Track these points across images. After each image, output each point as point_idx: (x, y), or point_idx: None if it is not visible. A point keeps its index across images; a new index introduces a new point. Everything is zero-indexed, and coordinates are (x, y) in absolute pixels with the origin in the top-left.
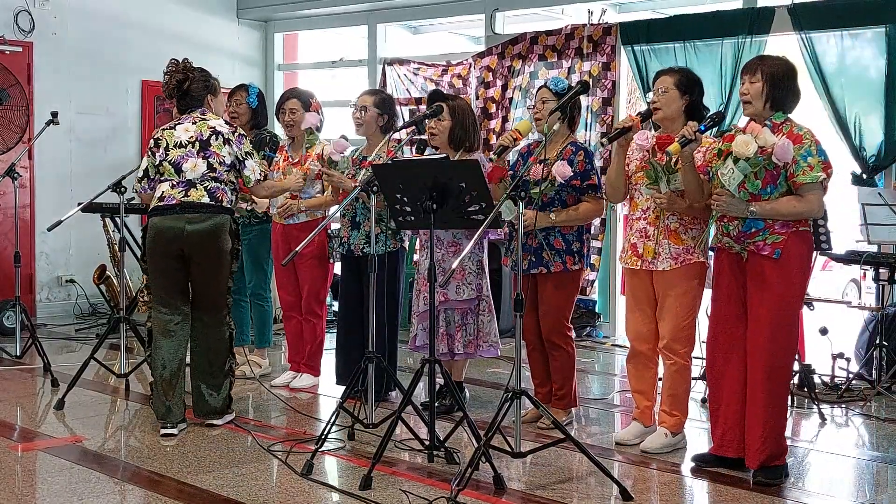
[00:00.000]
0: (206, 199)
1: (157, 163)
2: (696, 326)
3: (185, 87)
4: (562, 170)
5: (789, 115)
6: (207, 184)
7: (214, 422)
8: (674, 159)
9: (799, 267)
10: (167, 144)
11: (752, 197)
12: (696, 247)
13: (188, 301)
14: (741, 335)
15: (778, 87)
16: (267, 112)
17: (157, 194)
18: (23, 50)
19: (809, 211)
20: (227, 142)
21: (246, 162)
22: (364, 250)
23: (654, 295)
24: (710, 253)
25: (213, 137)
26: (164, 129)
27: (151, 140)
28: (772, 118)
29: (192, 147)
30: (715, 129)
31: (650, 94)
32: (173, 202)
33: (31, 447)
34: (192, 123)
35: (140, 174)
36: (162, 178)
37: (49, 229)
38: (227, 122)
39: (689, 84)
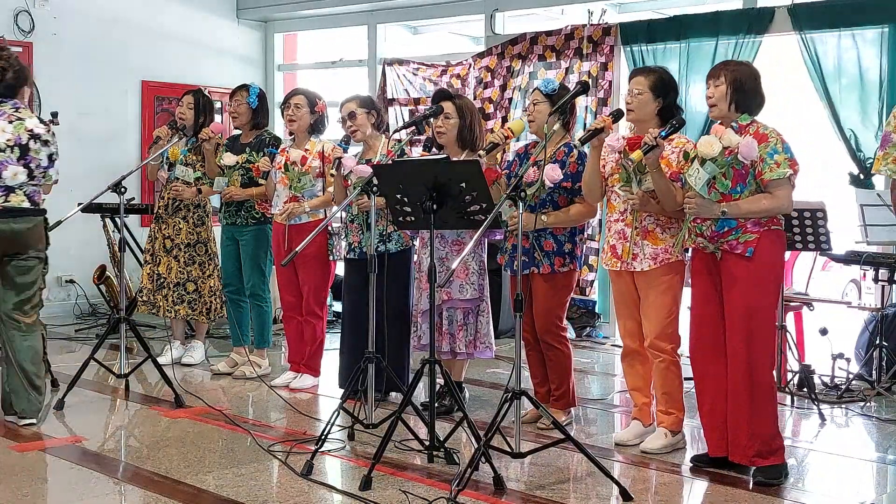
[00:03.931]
0: (26, 204)
1: None
2: (679, 323)
3: (6, 77)
4: (551, 173)
5: (756, 118)
6: (27, 188)
7: (32, 421)
8: (642, 162)
9: (772, 264)
10: None
11: (723, 197)
12: (674, 248)
13: None
14: (720, 335)
15: (740, 89)
16: (268, 112)
17: None
18: (23, 50)
19: (779, 207)
20: (45, 143)
21: (55, 162)
22: (378, 249)
23: (637, 294)
24: (688, 253)
25: (32, 141)
26: None
27: None
28: (738, 120)
29: (12, 153)
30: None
31: (626, 95)
32: None
33: (31, 447)
34: (9, 123)
35: None
36: None
37: (49, 229)
38: (40, 120)
39: (663, 87)
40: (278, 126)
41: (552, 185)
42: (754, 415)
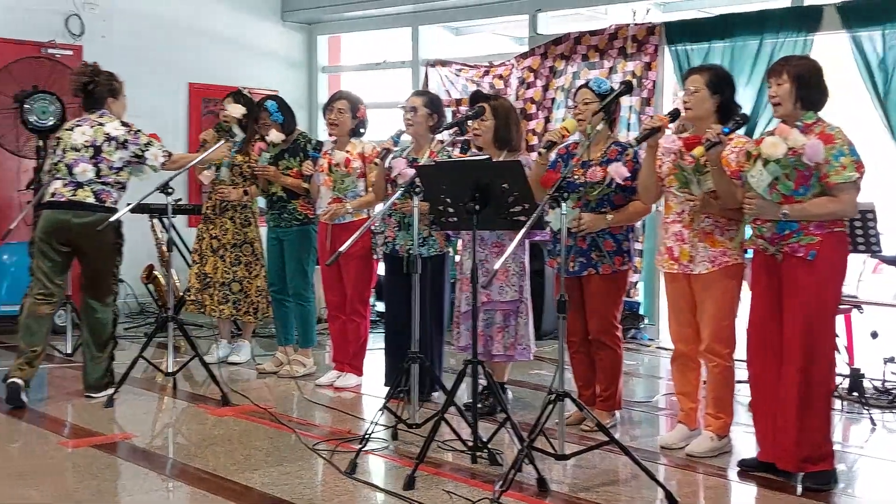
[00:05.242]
0: (91, 200)
1: (56, 162)
2: (735, 327)
3: (90, 89)
4: (620, 170)
5: (820, 116)
6: (94, 186)
7: (93, 395)
8: (702, 160)
9: (834, 268)
10: (65, 146)
11: (784, 198)
12: (732, 248)
13: (62, 285)
14: (777, 338)
15: (805, 86)
16: (293, 115)
17: (51, 190)
18: (73, 53)
19: (843, 211)
20: (122, 145)
21: (146, 154)
22: (410, 251)
23: (693, 297)
24: (747, 253)
25: (107, 143)
26: (65, 130)
27: (54, 139)
28: (803, 119)
29: (86, 152)
30: (743, 130)
31: (681, 93)
32: (63, 199)
33: (81, 444)
34: (90, 127)
35: (47, 168)
36: (56, 176)
37: (99, 230)
38: (123, 123)
39: (719, 83)
40: (321, 125)
41: (619, 182)
42: (805, 421)
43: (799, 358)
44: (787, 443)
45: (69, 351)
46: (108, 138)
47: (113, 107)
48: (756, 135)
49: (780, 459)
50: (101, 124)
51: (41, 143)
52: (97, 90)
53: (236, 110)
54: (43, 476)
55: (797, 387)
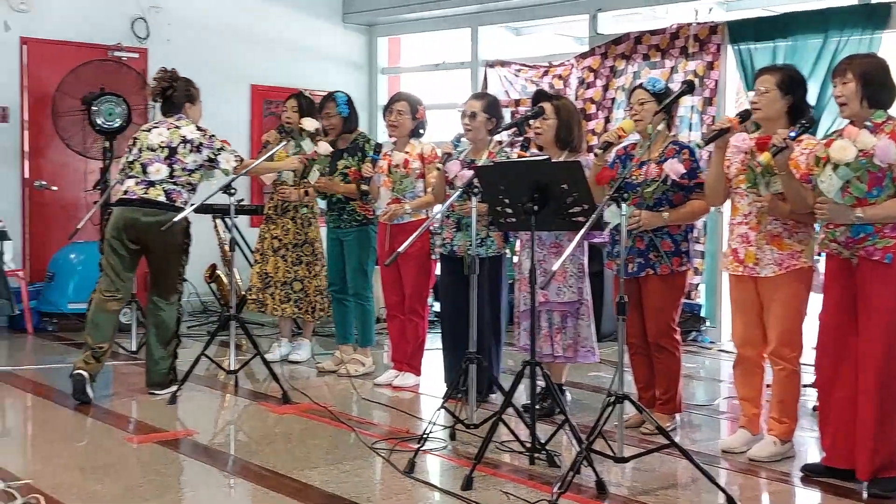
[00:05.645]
0: (161, 198)
1: (131, 160)
2: (802, 331)
3: (168, 94)
4: (676, 167)
5: (891, 114)
6: (166, 185)
7: (156, 391)
8: (771, 163)
9: None
10: (141, 146)
11: (858, 201)
12: (804, 254)
13: (129, 282)
14: (852, 343)
15: (870, 84)
16: (357, 114)
17: (123, 188)
18: (139, 56)
19: None
20: (196, 148)
21: (219, 158)
22: (468, 251)
23: (759, 300)
24: (818, 257)
25: (182, 146)
26: (142, 130)
27: (131, 139)
28: (872, 118)
29: (161, 152)
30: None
31: (751, 94)
32: (134, 197)
33: (145, 440)
34: (167, 129)
35: (120, 166)
36: (130, 174)
37: (164, 230)
38: (198, 128)
39: (791, 84)
40: (381, 126)
41: (675, 179)
42: (883, 428)
43: (877, 364)
44: (865, 450)
45: (134, 348)
46: (184, 141)
47: (190, 112)
48: (819, 135)
49: (855, 467)
50: (177, 127)
51: (108, 144)
52: (175, 95)
53: (310, 124)
54: (108, 471)
55: (876, 394)
